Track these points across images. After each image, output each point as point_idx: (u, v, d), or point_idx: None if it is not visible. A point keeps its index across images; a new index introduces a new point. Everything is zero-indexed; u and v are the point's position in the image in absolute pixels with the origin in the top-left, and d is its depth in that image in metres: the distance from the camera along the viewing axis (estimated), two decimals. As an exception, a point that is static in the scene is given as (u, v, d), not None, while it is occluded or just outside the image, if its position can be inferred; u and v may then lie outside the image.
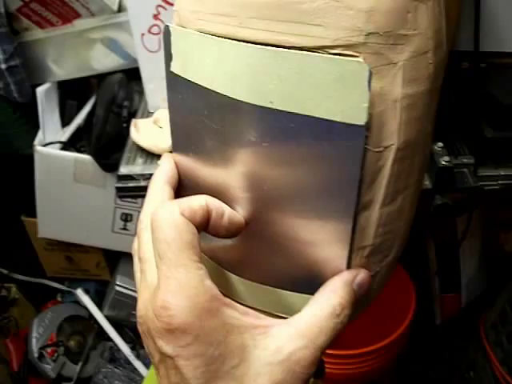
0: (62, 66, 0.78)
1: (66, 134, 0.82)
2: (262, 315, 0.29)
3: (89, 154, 0.79)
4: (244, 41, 0.27)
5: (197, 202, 0.28)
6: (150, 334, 0.26)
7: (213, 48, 0.27)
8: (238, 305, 0.28)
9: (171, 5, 0.61)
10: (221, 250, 0.33)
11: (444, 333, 0.94)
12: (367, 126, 0.25)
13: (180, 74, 0.30)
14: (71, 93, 0.85)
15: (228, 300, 0.27)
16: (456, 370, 0.91)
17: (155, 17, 0.63)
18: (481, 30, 0.57)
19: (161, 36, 0.64)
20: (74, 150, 0.81)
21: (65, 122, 0.84)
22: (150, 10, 0.62)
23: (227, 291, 0.33)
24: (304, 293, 0.31)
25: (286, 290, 0.32)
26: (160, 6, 0.62)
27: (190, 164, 0.33)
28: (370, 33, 0.25)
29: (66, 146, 0.81)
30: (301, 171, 0.27)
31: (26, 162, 0.81)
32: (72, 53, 0.77)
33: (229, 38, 0.27)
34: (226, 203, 0.30)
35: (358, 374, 0.81)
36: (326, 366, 0.58)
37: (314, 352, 0.26)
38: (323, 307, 0.28)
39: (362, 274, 0.30)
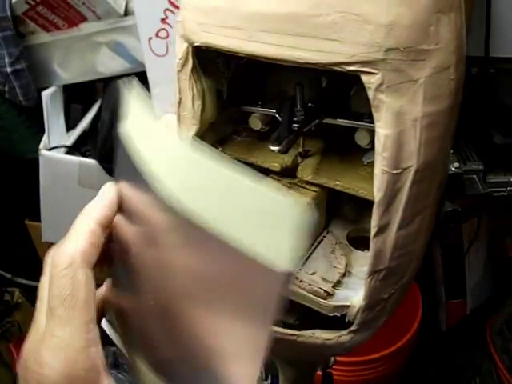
0: (68, 70, 0.77)
1: (71, 138, 0.81)
2: None
3: (94, 158, 0.78)
4: (253, 55, 0.25)
5: (90, 246, 0.25)
6: (25, 381, 0.25)
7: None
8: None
9: (179, 8, 0.61)
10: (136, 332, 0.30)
11: (450, 339, 0.93)
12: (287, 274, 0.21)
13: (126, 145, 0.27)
14: (76, 97, 0.84)
15: (107, 378, 0.25)
16: (462, 377, 0.90)
17: (163, 21, 0.62)
18: (491, 36, 0.57)
19: (168, 40, 0.63)
20: (78, 154, 0.80)
21: (70, 125, 0.84)
22: (158, 14, 0.61)
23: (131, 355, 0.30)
24: None
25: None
26: (168, 9, 0.61)
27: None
28: (390, 48, 0.23)
29: (71, 150, 0.81)
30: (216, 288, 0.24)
31: (30, 166, 0.80)
32: (78, 56, 0.76)
33: (237, 52, 0.26)
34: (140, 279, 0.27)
35: (365, 381, 0.81)
36: (334, 373, 0.58)
37: None
38: None
39: None
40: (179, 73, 0.29)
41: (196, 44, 0.28)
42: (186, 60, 0.28)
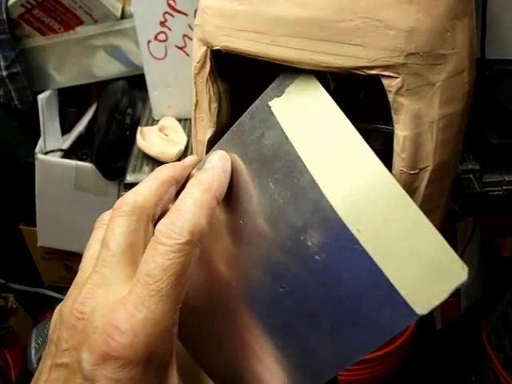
0: (64, 73, 0.77)
1: (66, 141, 0.81)
2: None
3: (90, 161, 0.78)
4: (276, 59, 0.26)
5: (207, 224, 0.24)
6: (80, 337, 0.22)
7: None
8: (177, 375, 0.24)
9: (178, 12, 0.61)
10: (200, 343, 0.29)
11: (445, 338, 0.94)
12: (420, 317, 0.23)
13: (275, 113, 0.26)
14: (71, 100, 0.84)
15: (175, 364, 0.24)
16: (458, 375, 0.91)
17: (162, 24, 0.62)
18: (486, 38, 0.58)
19: (167, 43, 0.63)
20: (75, 158, 0.80)
21: (65, 129, 0.83)
22: (157, 17, 0.62)
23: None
24: None
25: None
26: (167, 13, 0.61)
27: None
28: (411, 53, 0.24)
29: (67, 153, 0.80)
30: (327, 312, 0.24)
31: (25, 170, 0.79)
32: (74, 60, 0.76)
33: (259, 56, 0.26)
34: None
35: (360, 381, 0.81)
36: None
37: None
38: None
39: None
40: (196, 76, 0.30)
41: (216, 48, 0.28)
42: (204, 63, 0.29)
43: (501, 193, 0.66)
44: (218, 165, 0.26)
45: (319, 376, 0.24)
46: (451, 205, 0.63)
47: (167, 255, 0.22)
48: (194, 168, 0.29)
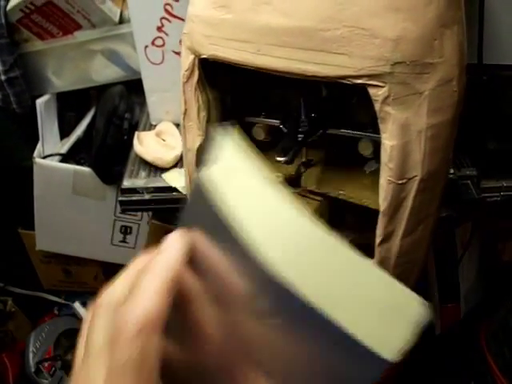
0: (62, 78, 0.77)
1: (65, 146, 0.81)
2: None
3: (88, 166, 0.78)
4: (262, 68, 0.26)
5: (165, 308, 0.23)
6: None
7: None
8: None
9: (175, 17, 0.61)
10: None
11: (444, 343, 0.93)
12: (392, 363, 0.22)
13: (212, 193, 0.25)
14: (70, 105, 0.84)
15: None
16: (457, 380, 0.90)
17: (159, 29, 0.62)
18: (484, 43, 0.57)
19: (164, 48, 0.63)
20: (73, 162, 0.80)
21: (64, 134, 0.83)
22: (154, 23, 0.62)
23: None
24: None
25: None
26: (164, 18, 0.61)
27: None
28: (397, 62, 0.24)
29: (65, 158, 0.80)
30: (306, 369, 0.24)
31: (23, 174, 0.79)
32: (72, 64, 0.76)
33: (245, 65, 0.26)
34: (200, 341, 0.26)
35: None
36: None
37: None
38: None
39: None
40: (185, 84, 0.29)
41: (203, 56, 0.28)
42: (192, 72, 0.29)
43: (499, 199, 0.66)
44: (174, 243, 0.25)
45: None
46: (448, 211, 0.63)
47: (124, 348, 0.22)
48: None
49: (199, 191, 0.25)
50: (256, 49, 0.25)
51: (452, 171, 0.61)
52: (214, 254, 0.25)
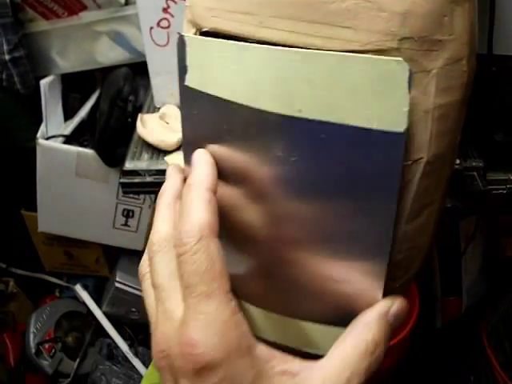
0: (67, 59, 0.77)
1: (68, 127, 0.80)
2: (289, 357, 0.26)
3: (92, 148, 0.77)
4: (264, 42, 0.25)
5: (213, 215, 0.25)
6: (172, 371, 0.24)
7: (234, 54, 0.25)
8: (264, 345, 0.25)
9: (181, -2, 0.60)
10: (241, 281, 0.30)
11: (445, 336, 0.93)
12: (407, 133, 0.23)
13: (196, 88, 0.27)
14: (74, 86, 0.84)
15: (255, 339, 0.25)
16: (456, 374, 0.90)
17: (165, 10, 0.61)
18: (494, 33, 0.56)
19: (169, 30, 0.63)
20: (76, 144, 0.80)
21: (68, 115, 0.83)
22: (160, 4, 0.61)
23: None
24: (334, 325, 0.29)
25: (315, 322, 0.29)
26: (170, -1, 0.61)
27: None
28: (405, 37, 0.23)
29: (69, 139, 0.80)
30: (333, 192, 0.25)
31: (27, 155, 0.79)
32: (77, 45, 0.75)
33: (247, 39, 0.25)
34: (245, 236, 0.28)
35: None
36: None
37: None
38: (355, 345, 0.25)
39: (397, 304, 0.27)
40: (186, 59, 0.29)
41: (205, 29, 0.27)
42: (194, 46, 0.28)
43: (505, 191, 0.65)
44: (198, 162, 0.28)
45: (378, 251, 0.26)
46: (454, 202, 0.62)
47: (190, 260, 0.24)
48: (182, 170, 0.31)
49: (188, 96, 0.27)
50: (258, 21, 0.25)
51: (458, 161, 0.60)
52: (230, 157, 0.27)
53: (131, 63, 0.76)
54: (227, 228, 0.28)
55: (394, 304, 0.27)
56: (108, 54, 0.76)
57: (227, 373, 0.23)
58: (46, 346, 0.92)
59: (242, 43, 0.25)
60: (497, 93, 0.61)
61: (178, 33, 0.26)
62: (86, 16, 0.73)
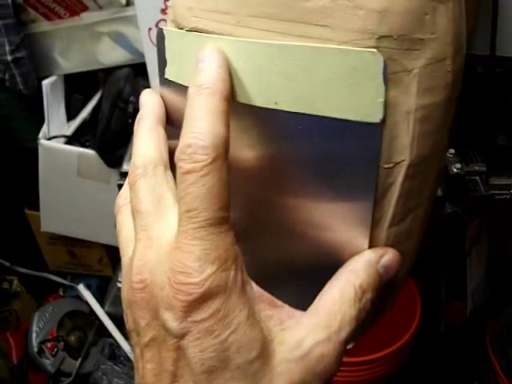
0: (69, 59, 0.77)
1: (70, 128, 0.81)
2: (278, 302, 0.24)
3: (93, 148, 0.78)
4: None
5: (228, 133, 0.23)
6: (151, 305, 0.21)
7: None
8: (255, 284, 0.23)
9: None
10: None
11: (448, 341, 0.92)
12: (383, 124, 0.23)
13: (176, 81, 0.27)
14: (77, 86, 0.84)
15: (248, 276, 0.23)
16: (459, 379, 0.89)
17: (163, 11, 0.61)
18: (497, 34, 0.55)
19: (169, 31, 0.62)
20: (78, 145, 0.80)
21: (70, 115, 0.83)
22: (158, 5, 0.61)
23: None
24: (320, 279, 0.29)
25: (302, 278, 0.29)
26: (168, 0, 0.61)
27: None
28: (383, 36, 0.22)
29: (71, 140, 0.80)
30: (312, 174, 0.25)
31: (29, 155, 0.80)
32: (79, 46, 0.76)
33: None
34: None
35: (362, 381, 0.80)
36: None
37: (338, 346, 0.22)
38: (343, 290, 0.24)
39: (388, 255, 0.26)
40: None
41: (186, 29, 0.27)
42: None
43: (508, 197, 0.64)
44: (212, 61, 0.23)
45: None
46: (455, 207, 0.61)
47: (200, 181, 0.21)
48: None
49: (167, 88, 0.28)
50: (236, 20, 0.24)
51: (460, 166, 0.59)
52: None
53: (133, 64, 0.76)
54: None
55: (386, 254, 0.26)
56: (109, 54, 0.76)
57: (220, 308, 0.20)
58: (49, 344, 0.92)
59: (217, 36, 0.25)
60: (499, 95, 0.60)
61: (157, 27, 0.26)
62: (87, 17, 0.73)
